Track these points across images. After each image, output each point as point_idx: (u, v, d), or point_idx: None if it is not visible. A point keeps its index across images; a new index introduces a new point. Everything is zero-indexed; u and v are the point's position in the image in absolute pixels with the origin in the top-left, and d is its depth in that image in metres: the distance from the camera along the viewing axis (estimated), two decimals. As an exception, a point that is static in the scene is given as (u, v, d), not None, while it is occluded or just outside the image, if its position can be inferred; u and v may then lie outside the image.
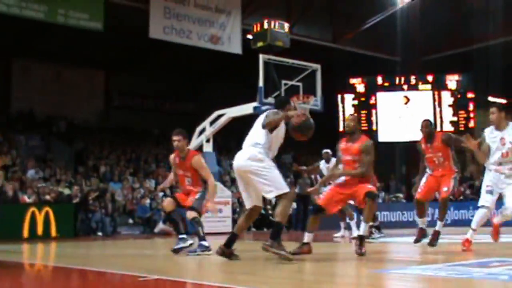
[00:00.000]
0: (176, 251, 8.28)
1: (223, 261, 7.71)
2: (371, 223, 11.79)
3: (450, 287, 4.57)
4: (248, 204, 7.03)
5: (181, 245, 8.27)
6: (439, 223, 8.87)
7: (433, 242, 8.68)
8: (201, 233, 8.27)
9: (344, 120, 24.70)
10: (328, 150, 12.67)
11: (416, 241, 9.05)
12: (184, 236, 8.30)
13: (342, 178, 7.48)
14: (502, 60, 23.46)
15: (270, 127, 6.80)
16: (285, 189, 6.62)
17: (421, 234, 9.02)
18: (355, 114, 9.00)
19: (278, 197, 6.65)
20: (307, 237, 7.34)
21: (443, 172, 8.76)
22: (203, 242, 8.22)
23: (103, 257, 8.63)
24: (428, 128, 8.97)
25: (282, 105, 7.17)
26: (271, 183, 6.60)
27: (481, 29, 22.83)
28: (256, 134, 6.90)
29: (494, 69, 23.86)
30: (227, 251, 7.00)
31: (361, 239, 7.24)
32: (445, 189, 8.66)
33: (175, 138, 8.53)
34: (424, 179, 8.94)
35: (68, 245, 11.79)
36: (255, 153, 6.73)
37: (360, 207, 7.89)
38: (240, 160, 6.85)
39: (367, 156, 7.51)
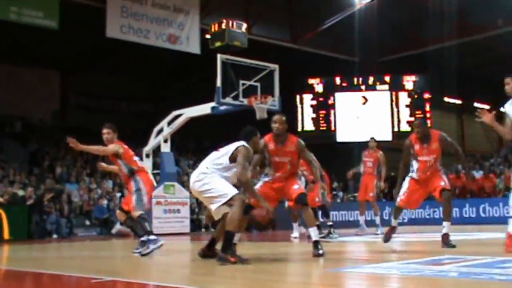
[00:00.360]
0: (145, 254, 8.18)
1: (181, 262, 7.68)
2: (323, 222, 11.96)
3: (401, 284, 4.62)
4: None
5: (151, 248, 8.18)
6: (445, 223, 8.07)
7: (449, 243, 7.80)
8: (147, 228, 8.37)
9: (302, 120, 24.87)
10: None
11: (387, 240, 8.42)
12: (149, 238, 8.24)
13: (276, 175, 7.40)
14: (457, 61, 23.93)
15: (237, 165, 6.58)
16: (230, 193, 6.40)
17: (391, 232, 8.44)
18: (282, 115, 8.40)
19: (229, 206, 6.42)
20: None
21: (430, 175, 8.14)
22: (151, 237, 8.27)
23: (58, 259, 8.49)
24: (422, 127, 8.23)
25: (248, 136, 6.92)
26: (215, 194, 6.44)
27: (437, 31, 23.22)
28: (216, 156, 6.73)
29: (450, 70, 24.33)
30: (208, 253, 7.02)
31: (315, 243, 7.17)
32: (442, 183, 8.01)
33: (105, 131, 8.90)
34: (406, 184, 8.23)
35: (21, 248, 11.57)
36: (199, 173, 6.64)
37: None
38: (192, 180, 6.76)
39: (308, 153, 7.62)
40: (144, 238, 8.27)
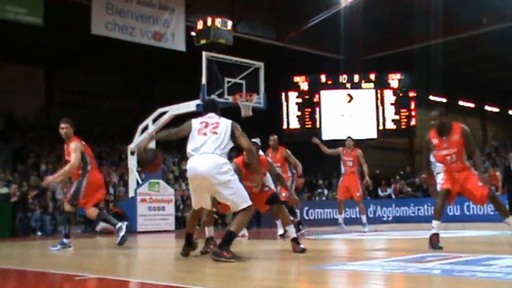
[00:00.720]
0: (121, 243, 8.92)
1: (165, 259, 7.67)
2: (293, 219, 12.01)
3: (383, 282, 4.65)
4: (194, 205, 6.79)
5: (121, 234, 8.92)
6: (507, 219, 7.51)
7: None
8: (67, 228, 9.17)
9: (287, 118, 24.89)
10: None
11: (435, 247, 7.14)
12: (119, 225, 9.05)
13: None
14: (442, 60, 24.06)
15: (240, 138, 6.55)
16: (249, 202, 6.41)
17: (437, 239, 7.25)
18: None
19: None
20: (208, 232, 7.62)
21: (459, 167, 7.44)
22: (65, 240, 9.04)
23: (41, 256, 8.45)
24: (441, 118, 7.42)
25: (216, 107, 6.96)
26: (238, 196, 6.36)
27: (422, 29, 23.35)
28: (221, 140, 6.48)
29: (435, 68, 24.46)
30: (188, 250, 7.03)
31: (294, 240, 7.31)
32: (480, 184, 7.34)
33: (63, 125, 9.26)
34: (441, 174, 7.58)
35: (5, 245, 11.49)
36: (222, 163, 6.36)
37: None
38: (205, 167, 6.31)
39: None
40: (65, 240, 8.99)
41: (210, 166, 6.30)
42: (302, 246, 7.21)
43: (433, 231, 7.21)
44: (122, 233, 8.94)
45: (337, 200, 13.95)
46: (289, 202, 10.10)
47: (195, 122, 6.60)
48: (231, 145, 6.54)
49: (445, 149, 7.38)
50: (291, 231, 7.39)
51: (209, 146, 6.41)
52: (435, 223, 7.28)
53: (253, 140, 12.97)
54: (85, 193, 9.03)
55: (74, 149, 9.05)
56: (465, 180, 7.43)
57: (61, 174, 9.31)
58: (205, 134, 6.48)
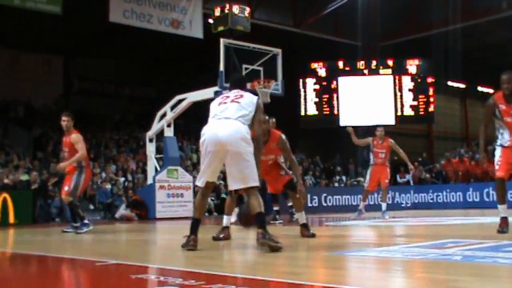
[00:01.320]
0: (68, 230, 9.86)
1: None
2: (276, 208, 12.09)
3: (403, 267, 4.64)
4: (202, 181, 6.06)
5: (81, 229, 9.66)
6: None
7: None
8: (81, 213, 9.80)
9: (305, 104, 24.80)
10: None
11: (502, 231, 7.10)
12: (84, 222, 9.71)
13: None
14: (460, 45, 23.83)
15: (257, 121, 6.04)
16: (258, 182, 5.86)
17: (505, 223, 7.20)
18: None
19: (247, 189, 5.86)
20: (226, 220, 7.54)
21: None
22: (85, 221, 9.74)
23: (62, 242, 8.53)
24: (504, 86, 7.10)
25: (243, 84, 6.56)
26: (251, 172, 5.78)
27: (440, 14, 23.12)
28: (244, 110, 5.94)
29: (453, 54, 24.25)
30: (194, 239, 6.02)
31: (304, 226, 7.47)
32: None
33: (64, 118, 9.93)
34: (498, 153, 7.29)
35: (26, 232, 11.62)
36: (245, 133, 5.81)
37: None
38: (226, 132, 5.76)
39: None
40: (77, 223, 9.69)
41: (233, 131, 5.74)
42: (312, 232, 7.34)
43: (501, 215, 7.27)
44: (83, 229, 9.60)
45: (364, 189, 13.50)
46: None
47: (216, 99, 6.27)
48: (251, 119, 5.96)
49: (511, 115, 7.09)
50: (302, 217, 7.50)
51: (231, 112, 5.89)
52: (500, 207, 7.34)
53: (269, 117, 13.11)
54: (82, 187, 9.97)
55: (78, 139, 9.70)
56: None
57: (72, 161, 9.69)
58: (225, 103, 6.01)
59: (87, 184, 10.18)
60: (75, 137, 9.74)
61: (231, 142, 5.71)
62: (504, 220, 7.21)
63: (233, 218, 12.58)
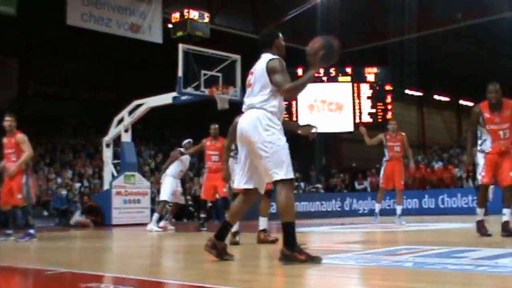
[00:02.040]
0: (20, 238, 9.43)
1: (140, 253, 7.61)
2: (203, 215, 12.08)
3: (357, 274, 4.66)
4: (239, 183, 5.40)
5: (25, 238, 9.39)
6: (506, 210, 7.53)
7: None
8: (30, 220, 9.55)
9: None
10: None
11: (485, 234, 7.48)
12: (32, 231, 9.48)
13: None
14: (417, 54, 24.23)
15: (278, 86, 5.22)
16: (290, 174, 5.12)
17: (484, 226, 7.60)
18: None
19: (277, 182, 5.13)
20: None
21: (505, 147, 7.59)
22: (31, 231, 9.47)
23: (12, 250, 8.34)
24: (499, 94, 7.52)
25: (270, 41, 5.61)
26: (274, 163, 5.06)
27: (398, 23, 23.45)
28: (257, 90, 5.29)
29: (411, 63, 24.63)
30: (219, 245, 5.35)
31: (263, 231, 7.59)
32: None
33: (8, 119, 9.74)
34: (482, 159, 7.67)
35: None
36: (260, 117, 5.17)
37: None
38: (243, 124, 5.25)
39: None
40: (32, 230, 9.45)
41: (248, 121, 5.17)
42: (272, 237, 7.47)
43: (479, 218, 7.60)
44: (25, 238, 9.37)
45: (379, 188, 12.95)
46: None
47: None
48: (272, 91, 5.24)
49: (497, 124, 7.53)
50: (265, 223, 7.60)
51: (249, 98, 5.33)
52: (479, 211, 7.67)
53: (187, 141, 13.11)
54: (33, 191, 9.90)
55: (24, 139, 9.61)
56: (501, 157, 7.57)
57: (22, 162, 9.56)
58: (248, 85, 5.44)
59: (35, 185, 9.97)
60: (21, 137, 9.61)
61: (247, 134, 5.17)
62: (482, 223, 7.60)
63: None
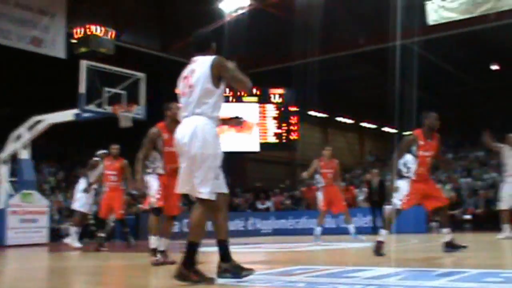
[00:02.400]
0: None
1: (33, 275, 7.31)
2: (102, 235, 12.00)
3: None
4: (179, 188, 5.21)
5: None
6: (444, 230, 8.01)
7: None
8: None
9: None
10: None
11: (380, 254, 7.70)
12: None
13: None
14: (321, 77, 24.84)
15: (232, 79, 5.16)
16: (219, 190, 5.05)
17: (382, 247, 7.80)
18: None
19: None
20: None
21: (427, 176, 8.02)
22: None
23: None
24: (436, 123, 7.90)
25: (205, 46, 5.45)
26: (204, 180, 4.95)
27: (301, 46, 23.99)
28: (198, 93, 5.08)
29: (314, 85, 25.22)
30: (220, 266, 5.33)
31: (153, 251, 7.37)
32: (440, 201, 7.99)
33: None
34: (405, 185, 8.00)
35: None
36: (202, 125, 4.98)
37: None
38: (181, 135, 5.05)
39: None
40: None
41: (187, 131, 4.95)
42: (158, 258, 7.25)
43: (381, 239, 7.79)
44: None
45: (320, 211, 13.03)
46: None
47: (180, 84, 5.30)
48: (217, 96, 5.07)
49: (427, 150, 7.88)
50: (156, 242, 7.36)
51: (187, 106, 5.10)
52: (382, 231, 7.89)
53: (100, 152, 13.03)
54: None
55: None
56: (426, 185, 7.95)
57: None
58: (183, 93, 5.19)
59: None
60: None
61: (186, 145, 4.97)
62: (382, 244, 7.76)
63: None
